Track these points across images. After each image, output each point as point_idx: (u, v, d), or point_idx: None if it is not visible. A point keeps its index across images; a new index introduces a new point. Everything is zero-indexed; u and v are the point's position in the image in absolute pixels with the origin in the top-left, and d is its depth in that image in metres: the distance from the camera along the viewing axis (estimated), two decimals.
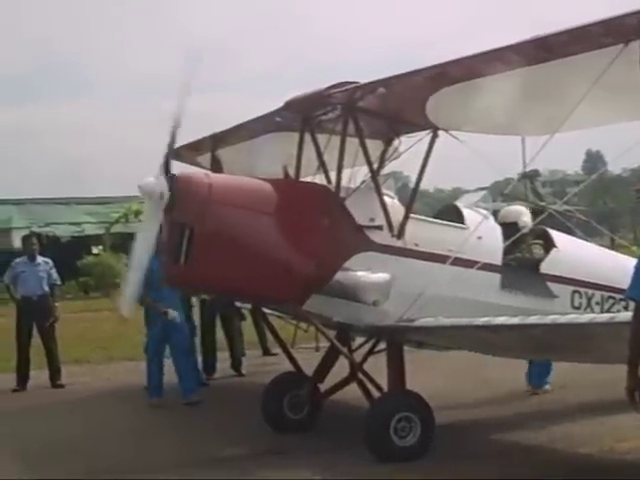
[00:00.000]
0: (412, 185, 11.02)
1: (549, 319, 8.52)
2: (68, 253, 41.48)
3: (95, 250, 44.33)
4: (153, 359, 13.27)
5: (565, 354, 9.60)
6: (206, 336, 15.32)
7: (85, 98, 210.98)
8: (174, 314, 12.82)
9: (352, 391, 10.67)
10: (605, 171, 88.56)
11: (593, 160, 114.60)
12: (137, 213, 41.02)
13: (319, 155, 10.68)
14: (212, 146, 12.60)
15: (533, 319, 8.59)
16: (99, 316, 28.60)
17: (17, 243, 44.64)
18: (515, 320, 8.74)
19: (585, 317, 8.84)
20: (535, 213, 11.44)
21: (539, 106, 9.40)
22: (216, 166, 12.44)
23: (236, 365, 15.76)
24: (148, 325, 13.56)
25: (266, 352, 16.58)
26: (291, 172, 11.31)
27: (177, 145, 12.84)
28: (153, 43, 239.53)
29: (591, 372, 12.48)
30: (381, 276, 9.74)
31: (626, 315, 7.90)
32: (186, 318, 13.73)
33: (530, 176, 33.39)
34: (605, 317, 8.27)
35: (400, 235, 10.14)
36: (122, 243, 36.22)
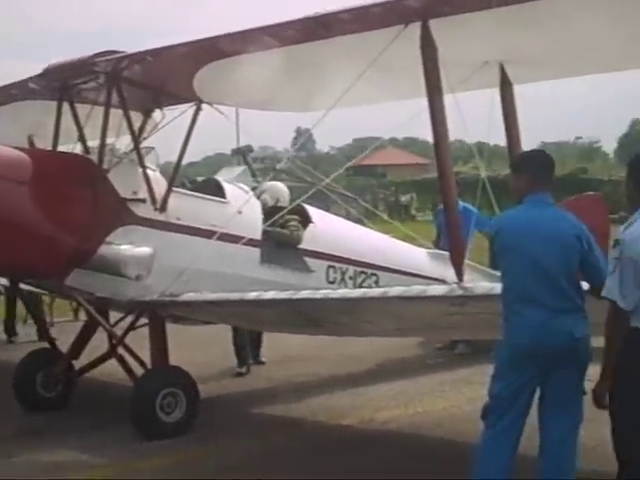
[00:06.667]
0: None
1: (320, 294, 8.70)
2: None
3: None
4: None
5: (328, 328, 9.80)
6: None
7: None
8: None
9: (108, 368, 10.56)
10: (314, 149, 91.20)
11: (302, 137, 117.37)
12: None
13: (78, 126, 10.39)
14: None
15: (304, 294, 8.69)
16: None
17: None
18: (284, 295, 8.81)
19: (357, 292, 9.07)
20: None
21: (310, 82, 9.54)
22: None
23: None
24: None
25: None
26: (41, 143, 10.99)
27: None
28: None
29: (334, 346, 12.93)
30: (144, 250, 9.63)
31: (397, 290, 8.17)
32: None
33: (243, 151, 33.45)
34: (378, 292, 8.47)
35: (163, 209, 10.03)
36: None
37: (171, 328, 10.16)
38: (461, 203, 9.90)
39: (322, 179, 10.78)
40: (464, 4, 7.54)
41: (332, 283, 11.23)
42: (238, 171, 11.20)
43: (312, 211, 11.52)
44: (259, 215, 10.85)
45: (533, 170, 6.63)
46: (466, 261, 8.31)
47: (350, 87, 8.27)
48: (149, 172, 10.10)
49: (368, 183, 56.34)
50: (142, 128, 10.54)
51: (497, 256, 6.60)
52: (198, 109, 10.25)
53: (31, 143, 11.32)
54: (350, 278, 11.46)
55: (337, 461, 8.50)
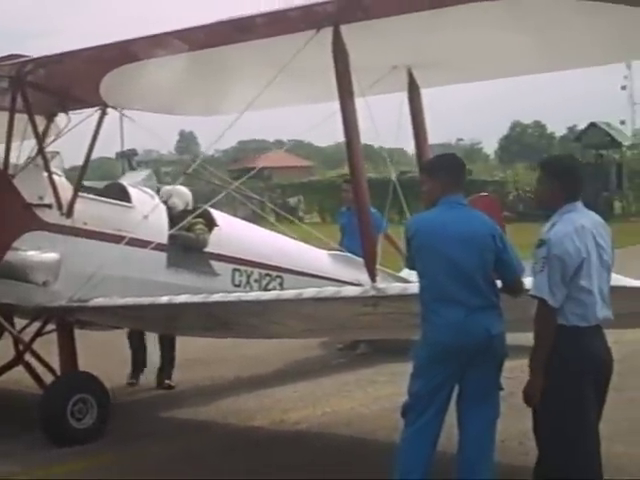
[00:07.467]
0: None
1: (233, 296, 8.79)
2: None
3: None
4: None
5: (239, 331, 9.87)
6: None
7: None
8: None
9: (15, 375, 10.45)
10: (200, 153, 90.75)
11: (186, 140, 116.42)
12: None
13: None
14: None
15: (216, 297, 8.75)
16: None
17: None
18: (196, 299, 8.84)
19: (271, 294, 9.14)
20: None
21: (220, 86, 9.59)
22: None
23: None
24: None
25: None
26: None
27: None
28: None
29: (235, 348, 12.94)
30: (51, 256, 9.56)
31: (312, 291, 8.27)
32: None
33: (128, 155, 33.11)
34: (292, 293, 8.53)
35: (69, 214, 9.95)
36: None
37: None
38: None
39: (230, 182, 10.86)
40: (376, 10, 7.69)
41: (238, 286, 11.24)
42: (143, 175, 11.15)
43: (217, 214, 11.54)
44: (165, 219, 10.81)
45: (446, 173, 6.83)
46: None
47: (262, 91, 8.32)
48: (55, 177, 10.02)
49: (256, 186, 56.15)
50: (45, 132, 10.45)
51: (414, 257, 6.73)
52: (103, 113, 10.20)
53: None
54: (255, 281, 11.48)
55: (252, 462, 8.56)
